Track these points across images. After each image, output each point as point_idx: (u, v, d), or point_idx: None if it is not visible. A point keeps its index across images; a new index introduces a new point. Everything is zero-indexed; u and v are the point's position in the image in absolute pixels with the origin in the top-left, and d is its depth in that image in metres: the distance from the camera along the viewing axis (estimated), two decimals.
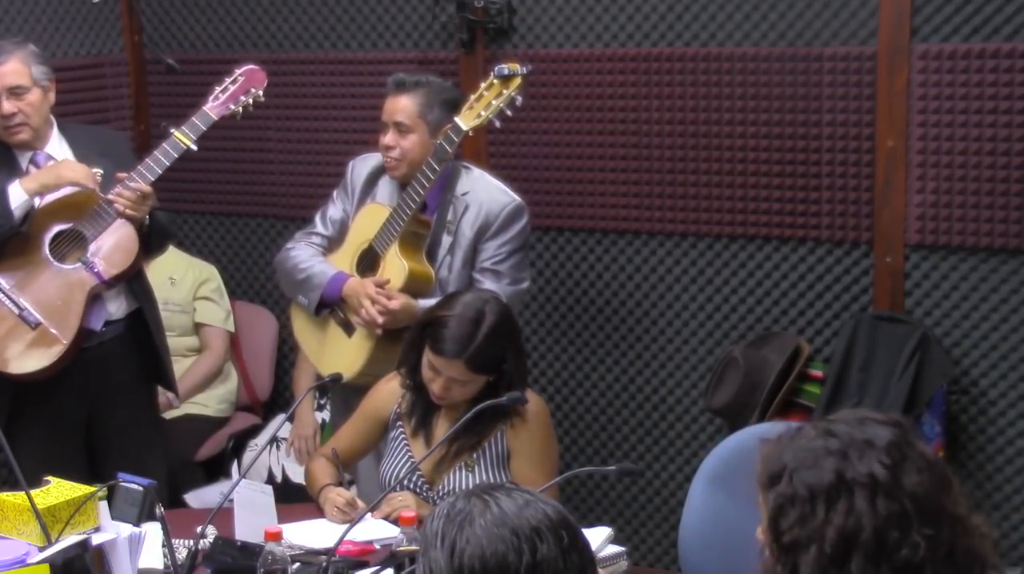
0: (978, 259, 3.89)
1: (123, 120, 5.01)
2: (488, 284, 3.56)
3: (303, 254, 3.74)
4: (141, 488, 2.83)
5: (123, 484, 2.86)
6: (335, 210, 3.81)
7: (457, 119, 3.48)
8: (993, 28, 3.78)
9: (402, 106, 3.61)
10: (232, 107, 3.72)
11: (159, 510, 2.77)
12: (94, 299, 3.67)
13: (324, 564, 2.72)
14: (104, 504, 2.83)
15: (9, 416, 3.70)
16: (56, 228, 3.62)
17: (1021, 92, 3.75)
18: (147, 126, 5.06)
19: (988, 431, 3.95)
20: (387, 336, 3.54)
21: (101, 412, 3.80)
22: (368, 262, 3.64)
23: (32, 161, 3.69)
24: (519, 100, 3.48)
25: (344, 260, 3.69)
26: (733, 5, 4.09)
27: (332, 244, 3.78)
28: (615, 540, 2.93)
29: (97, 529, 2.77)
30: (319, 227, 3.81)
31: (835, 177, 4.02)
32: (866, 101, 3.94)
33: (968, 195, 3.85)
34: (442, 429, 3.18)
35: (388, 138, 3.62)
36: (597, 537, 2.85)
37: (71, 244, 3.63)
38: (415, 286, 3.53)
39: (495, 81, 3.46)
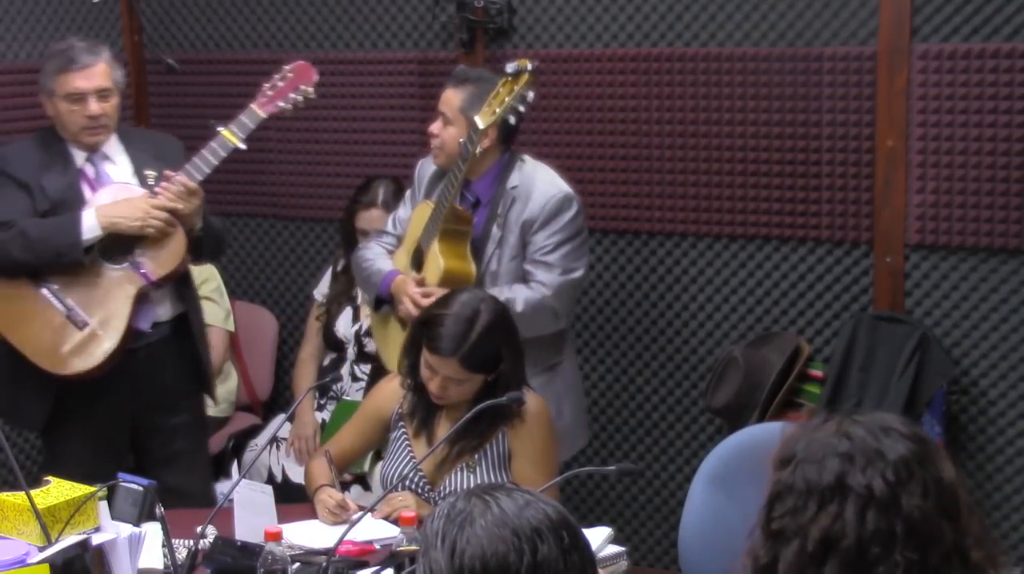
0: (978, 259, 3.89)
1: (123, 120, 4.98)
2: (540, 275, 3.59)
3: (370, 253, 3.84)
4: (141, 488, 2.83)
5: (123, 484, 2.86)
6: (404, 211, 3.89)
7: (476, 117, 3.49)
8: (993, 28, 3.78)
9: (448, 98, 3.65)
10: (281, 104, 3.68)
11: (159, 510, 2.77)
12: (142, 299, 3.64)
13: (324, 564, 2.71)
14: (104, 504, 2.83)
15: (54, 418, 3.69)
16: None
17: (1021, 92, 3.75)
18: (147, 126, 5.05)
19: (988, 431, 3.95)
20: None
21: (147, 415, 3.77)
22: (418, 259, 3.71)
23: (89, 159, 3.67)
24: (531, 96, 3.48)
25: (403, 258, 3.77)
26: (733, 5, 4.09)
27: (400, 242, 3.85)
28: (615, 540, 2.92)
29: (97, 529, 2.77)
30: (390, 227, 3.91)
31: (835, 177, 4.02)
32: (866, 101, 3.94)
33: (968, 195, 3.85)
34: (443, 430, 3.17)
35: (433, 126, 3.68)
36: (597, 537, 2.84)
37: (119, 243, 3.61)
38: (452, 283, 3.56)
39: (508, 78, 3.47)
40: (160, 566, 2.76)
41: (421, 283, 3.59)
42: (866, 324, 3.94)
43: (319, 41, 4.74)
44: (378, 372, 3.96)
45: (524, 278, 3.61)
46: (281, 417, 4.59)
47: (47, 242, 3.54)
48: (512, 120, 3.53)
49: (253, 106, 3.65)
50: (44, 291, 3.62)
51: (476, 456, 3.15)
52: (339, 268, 4.43)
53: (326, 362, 4.42)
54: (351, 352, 4.27)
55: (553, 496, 3.15)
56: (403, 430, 3.26)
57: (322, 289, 4.49)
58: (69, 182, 3.64)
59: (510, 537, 1.71)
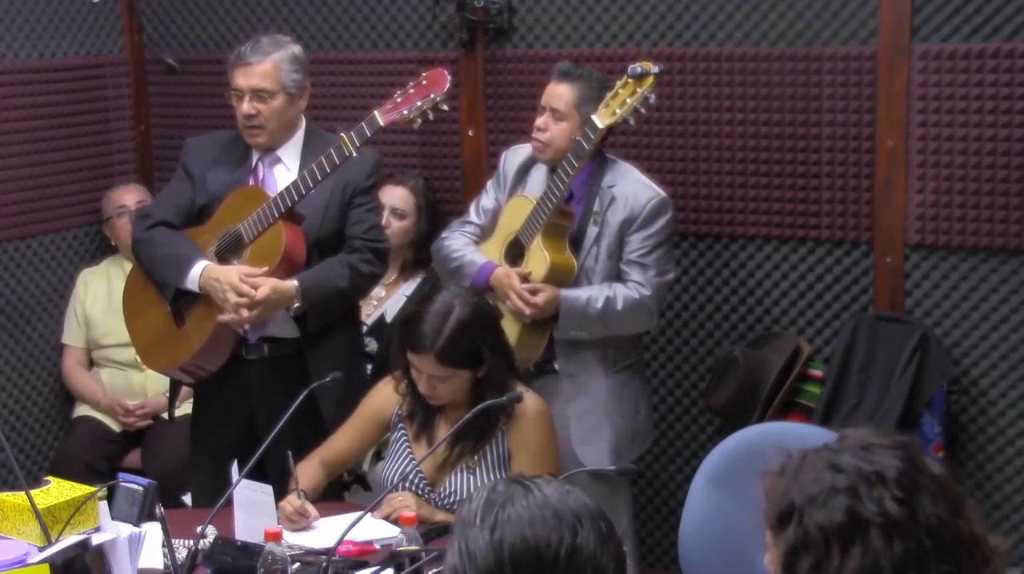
0: (978, 259, 3.89)
1: (123, 120, 5.00)
2: (636, 275, 3.65)
3: (456, 243, 3.84)
4: (141, 488, 2.83)
5: (123, 484, 2.86)
6: (488, 200, 3.91)
7: (593, 117, 3.54)
8: (993, 28, 3.78)
9: (559, 93, 3.68)
10: (405, 112, 3.46)
11: (159, 510, 2.77)
12: None
13: (324, 564, 2.72)
14: (104, 504, 2.83)
15: (194, 417, 3.84)
16: (224, 228, 3.60)
17: (1021, 92, 3.75)
18: (147, 126, 5.05)
19: (988, 431, 3.95)
20: (533, 321, 3.65)
21: (265, 429, 3.59)
22: (515, 252, 3.73)
23: (261, 160, 3.68)
24: (652, 98, 3.53)
25: (494, 249, 3.79)
26: (733, 5, 4.09)
27: (485, 232, 3.87)
28: None
29: (97, 529, 2.77)
30: (472, 217, 3.92)
31: (835, 177, 4.02)
32: (866, 101, 3.94)
33: (968, 195, 3.85)
34: (443, 432, 3.18)
35: (541, 120, 3.71)
36: None
37: (233, 245, 3.60)
38: (557, 277, 3.63)
39: (629, 80, 3.50)
40: (160, 566, 2.76)
41: (525, 278, 3.61)
42: (866, 324, 3.94)
43: (319, 41, 4.74)
44: (378, 372, 3.96)
45: (619, 277, 3.67)
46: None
47: (158, 264, 3.64)
48: (632, 121, 3.58)
49: (376, 112, 3.49)
50: None
51: (476, 457, 3.15)
52: None
53: None
54: None
55: None
56: (403, 432, 3.26)
57: None
58: (237, 179, 3.65)
59: (551, 519, 1.72)
